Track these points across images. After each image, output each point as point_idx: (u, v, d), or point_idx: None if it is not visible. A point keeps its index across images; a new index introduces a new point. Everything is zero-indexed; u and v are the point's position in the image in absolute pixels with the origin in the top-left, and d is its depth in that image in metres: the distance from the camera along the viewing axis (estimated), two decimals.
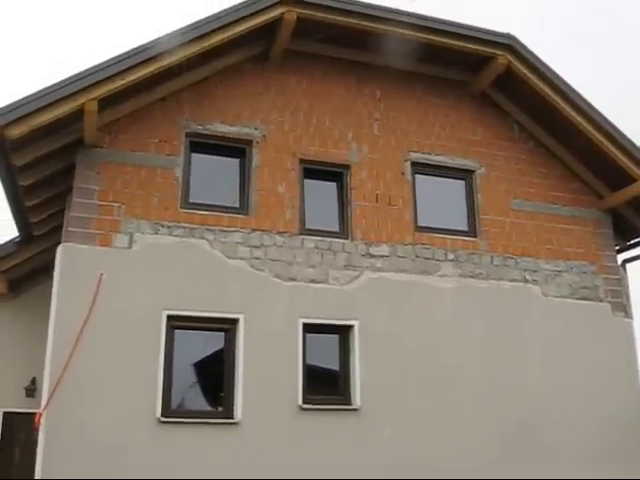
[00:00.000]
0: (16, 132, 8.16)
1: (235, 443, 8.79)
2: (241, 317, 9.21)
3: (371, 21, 9.92)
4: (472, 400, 9.94)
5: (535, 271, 10.86)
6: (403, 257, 10.20)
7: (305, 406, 9.12)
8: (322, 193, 10.41)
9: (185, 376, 9.23)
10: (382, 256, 10.10)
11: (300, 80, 10.52)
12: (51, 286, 8.82)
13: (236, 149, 10.03)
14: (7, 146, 8.34)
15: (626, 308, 11.23)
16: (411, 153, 10.76)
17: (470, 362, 10.09)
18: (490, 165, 11.14)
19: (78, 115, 8.61)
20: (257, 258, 9.51)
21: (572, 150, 11.41)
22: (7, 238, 11.70)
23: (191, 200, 9.56)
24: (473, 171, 11.05)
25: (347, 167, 10.39)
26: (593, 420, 10.38)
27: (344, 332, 9.73)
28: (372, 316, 9.75)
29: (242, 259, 9.44)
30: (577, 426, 10.28)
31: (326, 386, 9.69)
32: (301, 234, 9.85)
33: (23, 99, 8.18)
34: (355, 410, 9.38)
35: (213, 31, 9.19)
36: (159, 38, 8.89)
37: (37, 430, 8.23)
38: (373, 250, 10.09)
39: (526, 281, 10.76)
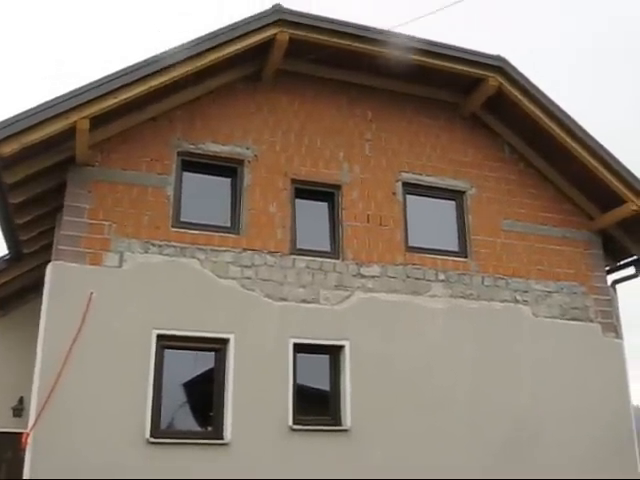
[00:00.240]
0: (7, 150, 8.13)
1: (225, 464, 8.71)
2: (231, 337, 9.17)
3: (363, 42, 9.99)
4: (463, 420, 9.91)
5: (526, 292, 10.88)
6: (394, 277, 10.20)
7: (295, 427, 9.06)
8: (313, 213, 10.41)
9: (175, 396, 9.15)
10: (373, 276, 10.10)
11: (292, 100, 10.57)
12: (40, 304, 8.75)
13: (228, 168, 10.04)
14: None
15: (616, 329, 11.26)
16: (402, 174, 10.80)
17: (461, 382, 10.07)
18: (481, 186, 11.19)
19: (70, 133, 8.61)
20: (248, 278, 9.49)
21: (564, 173, 11.47)
22: None
23: (182, 219, 9.54)
24: (464, 192, 11.10)
25: (338, 187, 10.41)
26: (584, 440, 10.37)
27: (335, 352, 9.70)
28: (363, 336, 9.73)
29: (233, 279, 9.42)
30: (568, 446, 10.26)
31: (316, 406, 9.64)
32: (292, 254, 9.84)
33: (14, 117, 8.16)
34: (345, 431, 9.33)
35: (207, 50, 9.23)
36: (152, 57, 8.92)
37: (24, 450, 8.14)
38: (364, 270, 10.09)
39: (517, 302, 10.78)
